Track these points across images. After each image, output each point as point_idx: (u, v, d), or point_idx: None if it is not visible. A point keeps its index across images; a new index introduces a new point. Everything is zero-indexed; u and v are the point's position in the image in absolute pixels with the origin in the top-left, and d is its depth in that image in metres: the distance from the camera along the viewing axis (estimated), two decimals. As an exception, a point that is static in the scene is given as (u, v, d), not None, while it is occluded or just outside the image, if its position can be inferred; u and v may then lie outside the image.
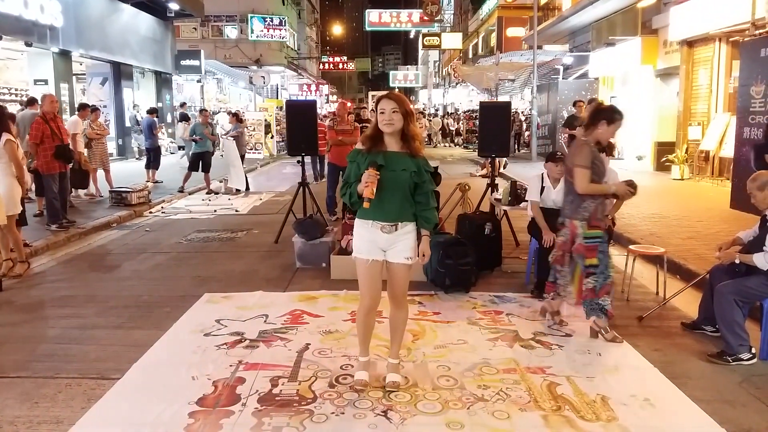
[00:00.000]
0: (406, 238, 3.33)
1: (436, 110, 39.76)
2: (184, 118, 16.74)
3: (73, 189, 10.03)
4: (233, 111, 18.11)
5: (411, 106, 3.32)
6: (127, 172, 13.81)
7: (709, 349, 3.96)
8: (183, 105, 20.51)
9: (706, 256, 5.70)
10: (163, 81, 21.43)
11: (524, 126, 21.47)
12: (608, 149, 5.98)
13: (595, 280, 4.08)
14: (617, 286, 5.41)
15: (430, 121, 29.86)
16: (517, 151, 16.59)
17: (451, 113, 32.98)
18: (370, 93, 40.32)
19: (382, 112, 3.22)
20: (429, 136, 27.97)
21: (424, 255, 3.34)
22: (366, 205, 3.16)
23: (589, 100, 10.43)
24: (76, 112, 10.63)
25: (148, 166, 12.81)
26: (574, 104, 10.46)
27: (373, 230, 3.30)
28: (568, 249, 4.18)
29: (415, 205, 3.33)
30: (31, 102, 10.05)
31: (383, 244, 3.31)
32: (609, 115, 4.02)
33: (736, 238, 4.22)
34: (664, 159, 12.77)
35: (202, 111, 13.40)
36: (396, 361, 3.52)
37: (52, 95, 8.14)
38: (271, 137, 21.00)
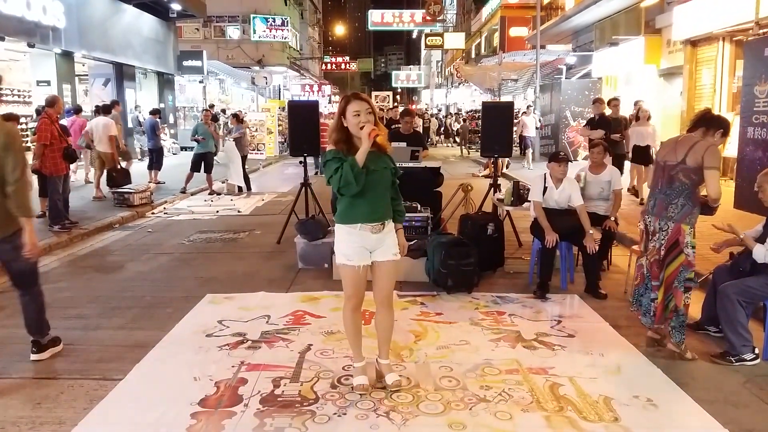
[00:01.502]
0: (391, 234, 3.39)
1: (439, 110, 39.70)
2: (213, 119, 16.78)
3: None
4: (235, 112, 18.13)
5: (375, 106, 3.36)
6: (130, 172, 13.81)
7: (712, 350, 3.95)
8: (212, 107, 20.55)
9: (709, 256, 5.66)
10: (165, 82, 21.46)
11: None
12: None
13: (688, 297, 3.83)
14: (619, 287, 5.42)
15: (428, 120, 29.75)
16: (521, 154, 16.57)
17: (455, 113, 32.88)
18: (373, 93, 40.32)
19: (357, 114, 3.19)
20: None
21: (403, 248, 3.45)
22: (373, 135, 3.11)
23: (594, 100, 10.36)
24: (105, 114, 10.99)
25: (150, 167, 12.83)
26: (609, 103, 9.75)
27: (362, 233, 3.28)
28: (661, 256, 3.86)
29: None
30: (114, 105, 11.75)
31: (371, 245, 3.32)
32: (726, 129, 3.90)
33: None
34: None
35: (205, 111, 13.42)
36: (387, 361, 3.51)
37: (59, 97, 8.23)
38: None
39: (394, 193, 3.42)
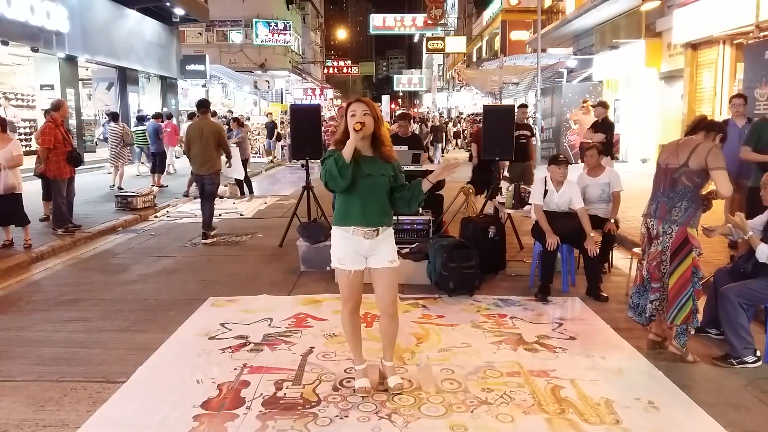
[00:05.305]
0: (387, 242, 3.34)
1: (440, 114, 39.73)
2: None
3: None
4: (237, 116, 18.17)
5: (380, 112, 3.33)
6: (133, 176, 13.87)
7: (714, 352, 3.95)
8: (230, 113, 20.63)
9: (709, 258, 5.68)
10: (168, 86, 21.53)
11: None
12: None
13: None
14: (621, 290, 5.43)
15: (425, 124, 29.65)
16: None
17: (455, 117, 32.86)
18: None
19: (353, 115, 3.21)
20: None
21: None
22: (357, 127, 3.11)
23: (598, 103, 10.34)
24: (172, 119, 12.92)
25: (153, 171, 12.88)
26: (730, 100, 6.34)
27: (354, 237, 3.27)
28: (665, 260, 3.86)
29: (399, 202, 3.35)
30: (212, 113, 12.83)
31: (365, 251, 3.30)
32: (725, 133, 3.98)
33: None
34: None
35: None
36: (391, 363, 3.51)
37: (63, 101, 8.30)
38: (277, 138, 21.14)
39: (403, 192, 3.33)
